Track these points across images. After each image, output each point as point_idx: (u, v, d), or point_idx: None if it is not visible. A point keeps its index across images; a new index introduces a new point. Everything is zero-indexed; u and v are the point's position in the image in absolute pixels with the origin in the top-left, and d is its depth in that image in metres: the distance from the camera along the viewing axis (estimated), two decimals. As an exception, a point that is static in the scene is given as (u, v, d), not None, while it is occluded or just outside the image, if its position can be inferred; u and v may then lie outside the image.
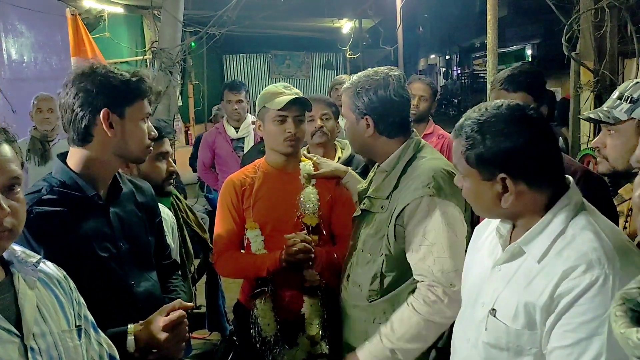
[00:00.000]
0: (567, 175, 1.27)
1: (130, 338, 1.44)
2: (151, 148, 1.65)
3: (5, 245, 1.12)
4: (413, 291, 1.73)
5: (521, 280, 1.21)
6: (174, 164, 2.24)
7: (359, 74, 1.88)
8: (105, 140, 1.54)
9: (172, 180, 2.23)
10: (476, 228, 1.53)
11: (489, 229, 1.41)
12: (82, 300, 1.30)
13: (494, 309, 1.25)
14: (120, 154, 1.57)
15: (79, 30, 4.25)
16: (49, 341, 1.14)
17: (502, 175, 1.19)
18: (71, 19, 4.24)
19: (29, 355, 1.09)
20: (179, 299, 1.66)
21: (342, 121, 2.80)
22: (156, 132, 1.66)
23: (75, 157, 1.57)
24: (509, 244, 1.29)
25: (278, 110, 2.05)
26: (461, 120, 1.27)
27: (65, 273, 1.29)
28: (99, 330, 1.33)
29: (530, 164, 1.19)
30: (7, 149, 1.10)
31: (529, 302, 1.17)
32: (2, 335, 1.06)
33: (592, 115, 1.69)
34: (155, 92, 1.73)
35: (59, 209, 1.49)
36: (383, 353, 1.70)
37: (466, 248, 1.60)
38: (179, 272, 1.94)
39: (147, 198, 1.76)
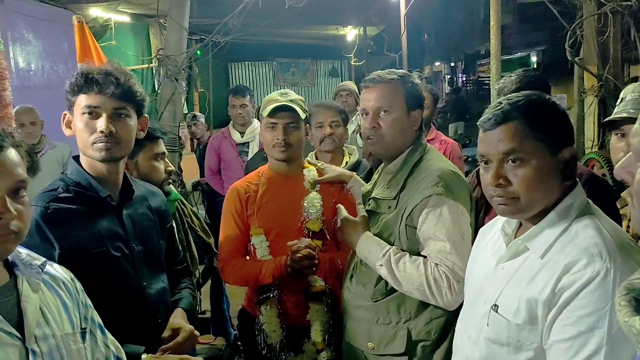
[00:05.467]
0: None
1: None
2: (109, 144, 1.53)
3: (10, 248, 1.13)
4: None
5: (524, 276, 1.22)
6: (171, 164, 2.25)
7: (388, 70, 1.88)
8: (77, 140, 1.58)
9: (170, 180, 2.24)
10: (480, 230, 1.54)
11: (494, 230, 1.43)
12: (89, 302, 1.30)
13: (496, 305, 1.26)
14: (83, 153, 1.57)
15: (85, 37, 4.29)
16: (51, 344, 1.14)
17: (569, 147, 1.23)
18: (77, 26, 4.28)
19: (30, 358, 1.08)
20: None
21: (350, 126, 2.81)
22: (107, 125, 1.51)
23: (82, 158, 1.61)
24: None
25: (268, 117, 2.09)
26: (501, 108, 1.24)
27: (72, 275, 1.29)
28: (107, 332, 1.33)
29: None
30: (13, 153, 1.11)
31: (531, 298, 1.18)
32: (3, 338, 1.06)
33: (624, 114, 1.71)
34: (108, 81, 1.52)
35: (74, 206, 1.52)
36: (373, 258, 1.75)
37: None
38: (190, 278, 1.96)
39: (159, 203, 1.79)
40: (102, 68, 1.55)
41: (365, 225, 1.86)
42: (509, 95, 1.28)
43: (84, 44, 4.29)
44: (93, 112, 1.52)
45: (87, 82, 1.51)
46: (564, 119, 1.26)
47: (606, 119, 1.83)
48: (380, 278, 1.78)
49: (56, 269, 1.27)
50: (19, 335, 1.09)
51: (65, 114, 1.58)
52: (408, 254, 1.73)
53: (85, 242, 1.50)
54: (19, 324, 1.10)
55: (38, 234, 1.45)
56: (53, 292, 1.21)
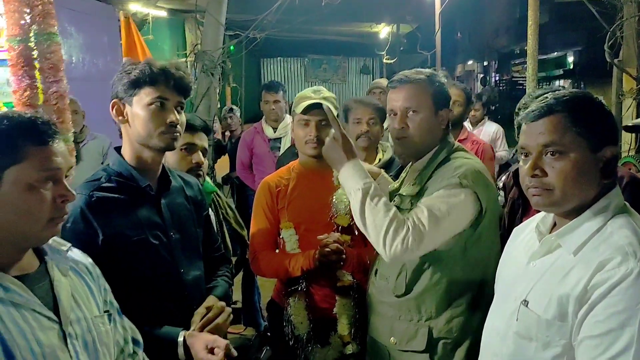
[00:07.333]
0: None
1: (180, 351, 1.53)
2: (175, 134, 1.62)
3: (59, 230, 1.20)
4: (438, 287, 1.76)
5: (556, 273, 1.22)
6: (202, 157, 2.22)
7: (415, 70, 1.88)
8: (125, 129, 1.63)
9: (200, 172, 2.23)
10: (514, 229, 1.53)
11: (527, 230, 1.43)
12: (107, 286, 1.36)
13: (526, 300, 1.27)
14: (140, 142, 1.62)
15: (130, 32, 4.38)
16: (83, 326, 1.19)
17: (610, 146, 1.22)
18: (124, 20, 4.38)
19: (68, 340, 1.14)
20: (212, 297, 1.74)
21: (386, 124, 2.82)
22: (177, 117, 1.62)
23: (124, 149, 1.67)
24: None
25: (301, 114, 2.12)
26: (545, 101, 1.25)
27: (91, 260, 1.35)
28: (123, 315, 1.39)
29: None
30: (62, 144, 1.19)
31: (563, 294, 1.18)
32: (43, 322, 1.12)
33: None
34: (177, 76, 1.62)
35: (116, 196, 1.59)
36: (352, 182, 1.71)
37: (481, 258, 1.67)
38: (228, 266, 2.00)
39: (195, 192, 1.84)
40: (171, 63, 1.63)
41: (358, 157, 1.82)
42: (556, 92, 1.28)
43: (129, 38, 4.39)
44: (162, 104, 1.59)
45: (160, 75, 1.58)
46: (608, 117, 1.25)
47: (626, 125, 1.81)
48: (401, 270, 1.80)
49: (77, 255, 1.32)
50: (56, 319, 1.14)
51: (115, 102, 1.62)
52: (384, 199, 1.71)
53: (126, 229, 1.56)
54: (54, 308, 1.16)
55: (83, 220, 1.52)
56: (79, 276, 1.27)
